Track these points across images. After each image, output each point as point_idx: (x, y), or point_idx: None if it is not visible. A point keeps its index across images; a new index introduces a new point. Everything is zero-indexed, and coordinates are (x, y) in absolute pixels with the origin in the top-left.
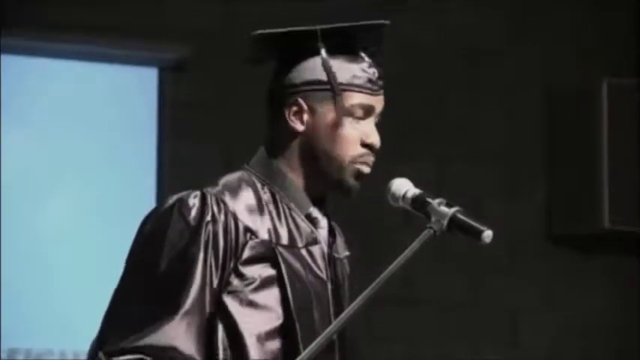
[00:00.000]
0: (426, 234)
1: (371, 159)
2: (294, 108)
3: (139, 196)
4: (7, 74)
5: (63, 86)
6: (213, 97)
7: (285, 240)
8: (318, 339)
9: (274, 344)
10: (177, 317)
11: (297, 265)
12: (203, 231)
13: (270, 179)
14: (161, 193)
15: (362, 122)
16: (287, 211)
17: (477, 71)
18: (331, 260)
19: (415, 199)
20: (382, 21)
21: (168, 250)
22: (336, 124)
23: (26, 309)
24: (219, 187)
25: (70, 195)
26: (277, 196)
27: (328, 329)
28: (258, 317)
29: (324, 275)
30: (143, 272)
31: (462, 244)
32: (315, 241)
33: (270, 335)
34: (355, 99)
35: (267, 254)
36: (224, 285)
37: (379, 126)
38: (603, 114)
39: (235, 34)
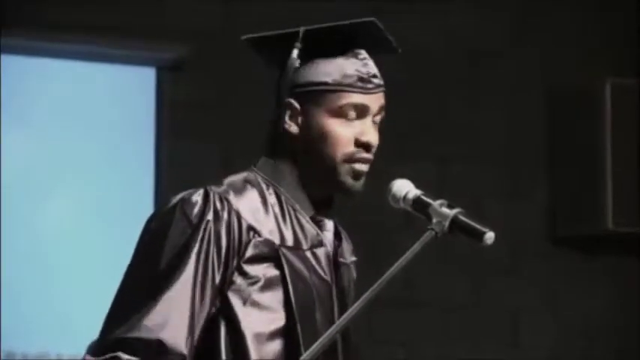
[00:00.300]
0: (427, 236)
1: (366, 157)
2: (289, 110)
3: (137, 196)
4: (7, 74)
5: (62, 86)
6: (212, 97)
7: (289, 241)
8: (320, 340)
9: (275, 345)
10: (160, 302)
11: (300, 266)
12: (203, 227)
13: (275, 180)
14: (160, 193)
15: (356, 122)
16: (292, 212)
17: (478, 72)
18: (336, 263)
19: (416, 201)
20: (369, 18)
21: (169, 249)
22: (327, 125)
23: (26, 309)
24: (223, 187)
25: (70, 195)
26: (282, 198)
27: (329, 330)
28: (260, 317)
29: (328, 277)
30: (144, 271)
31: (463, 245)
32: (320, 244)
33: (271, 336)
34: (345, 99)
35: (271, 254)
36: (228, 284)
37: (380, 126)
38: (606, 114)
39: (235, 34)
